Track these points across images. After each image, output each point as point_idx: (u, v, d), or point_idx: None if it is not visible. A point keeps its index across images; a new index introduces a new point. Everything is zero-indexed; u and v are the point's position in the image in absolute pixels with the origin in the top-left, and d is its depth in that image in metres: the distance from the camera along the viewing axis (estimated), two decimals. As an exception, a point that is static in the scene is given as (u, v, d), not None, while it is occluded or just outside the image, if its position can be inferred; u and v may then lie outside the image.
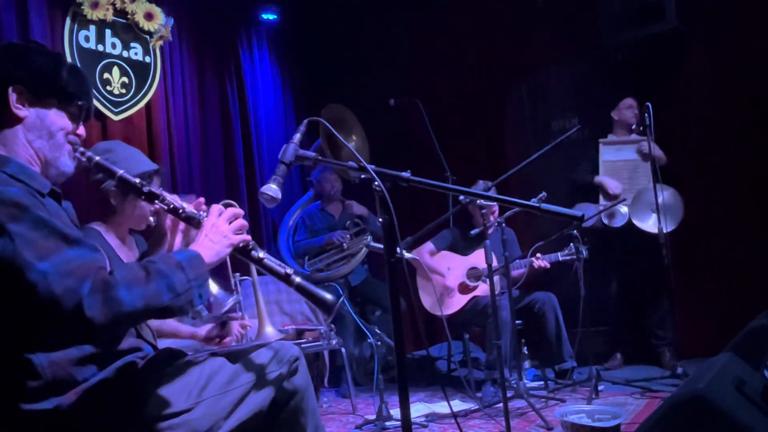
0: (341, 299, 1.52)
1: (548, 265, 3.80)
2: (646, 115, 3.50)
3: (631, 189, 4.00)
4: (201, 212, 1.54)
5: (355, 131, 4.45)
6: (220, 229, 1.48)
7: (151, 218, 2.37)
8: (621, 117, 4.23)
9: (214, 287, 2.71)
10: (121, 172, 1.56)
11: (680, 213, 3.74)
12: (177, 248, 1.58)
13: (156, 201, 1.54)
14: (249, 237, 1.53)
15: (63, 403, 1.29)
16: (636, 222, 3.87)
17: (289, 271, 1.49)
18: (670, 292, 3.84)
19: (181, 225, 1.58)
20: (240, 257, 1.53)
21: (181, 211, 1.54)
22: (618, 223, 3.97)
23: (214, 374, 1.45)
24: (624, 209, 3.92)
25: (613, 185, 4.05)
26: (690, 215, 4.05)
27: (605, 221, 3.97)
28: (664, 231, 3.76)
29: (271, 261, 1.52)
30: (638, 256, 4.01)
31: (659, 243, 3.60)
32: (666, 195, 3.70)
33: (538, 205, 1.56)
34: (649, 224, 3.83)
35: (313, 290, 1.49)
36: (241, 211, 1.55)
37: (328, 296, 1.49)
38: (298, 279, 1.49)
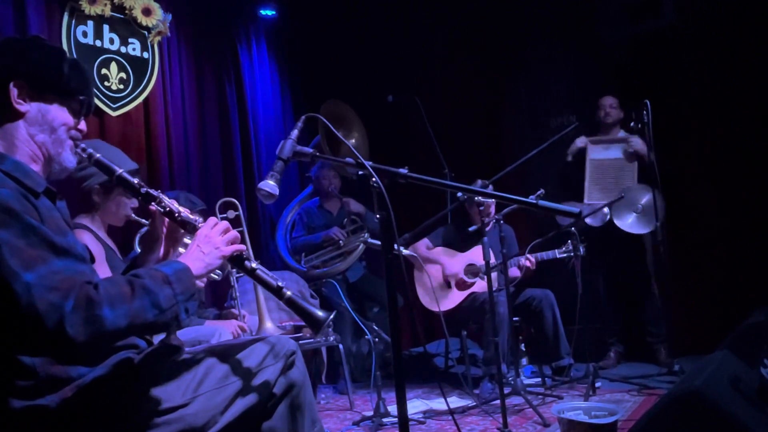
0: (331, 316, 1.51)
1: (533, 265, 3.77)
2: (644, 112, 3.48)
3: (617, 189, 3.94)
4: (196, 219, 1.53)
5: (355, 128, 4.42)
6: (213, 240, 1.46)
7: (141, 219, 2.37)
8: (600, 117, 4.22)
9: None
10: (120, 171, 1.54)
11: (661, 213, 3.70)
12: (171, 255, 1.57)
13: (153, 203, 1.53)
14: (243, 247, 1.52)
15: (59, 399, 1.29)
16: (617, 221, 3.84)
17: (281, 284, 1.49)
18: (661, 289, 3.83)
19: (173, 229, 1.57)
20: (233, 267, 1.52)
21: (176, 214, 1.53)
22: (597, 222, 3.91)
23: (211, 369, 1.45)
24: (605, 209, 3.84)
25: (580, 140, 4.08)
26: (686, 212, 4.06)
27: (587, 220, 3.89)
28: (644, 232, 3.75)
29: (263, 272, 1.51)
30: (629, 254, 4.01)
31: (653, 241, 3.59)
32: (649, 196, 3.68)
33: (535, 201, 1.56)
34: (627, 224, 3.81)
35: (304, 305, 1.49)
36: (236, 234, 1.53)
37: (319, 313, 1.48)
38: (289, 293, 1.49)
